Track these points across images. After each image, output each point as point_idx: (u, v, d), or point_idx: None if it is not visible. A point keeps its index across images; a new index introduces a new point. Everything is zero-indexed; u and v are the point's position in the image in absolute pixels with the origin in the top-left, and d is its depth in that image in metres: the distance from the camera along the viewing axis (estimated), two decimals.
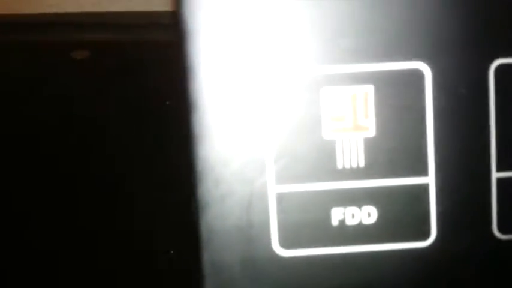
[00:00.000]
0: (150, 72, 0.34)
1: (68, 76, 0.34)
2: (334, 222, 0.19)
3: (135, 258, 0.26)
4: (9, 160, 0.30)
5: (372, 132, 0.18)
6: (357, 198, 0.18)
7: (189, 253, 0.26)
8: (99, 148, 0.31)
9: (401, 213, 0.19)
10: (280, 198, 0.18)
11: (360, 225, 0.19)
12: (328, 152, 0.18)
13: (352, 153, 0.18)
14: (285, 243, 0.19)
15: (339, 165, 0.18)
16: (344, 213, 0.19)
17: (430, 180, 0.19)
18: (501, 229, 0.19)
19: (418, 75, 0.18)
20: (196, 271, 0.18)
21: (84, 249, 0.27)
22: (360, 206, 0.19)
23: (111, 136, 0.31)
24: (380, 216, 0.19)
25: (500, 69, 0.18)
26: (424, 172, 0.19)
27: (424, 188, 0.19)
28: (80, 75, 0.34)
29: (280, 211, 0.18)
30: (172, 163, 0.30)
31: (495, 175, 0.19)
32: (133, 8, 0.39)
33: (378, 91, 0.18)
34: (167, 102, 0.32)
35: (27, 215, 0.29)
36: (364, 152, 0.18)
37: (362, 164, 0.18)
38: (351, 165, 0.18)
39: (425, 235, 0.19)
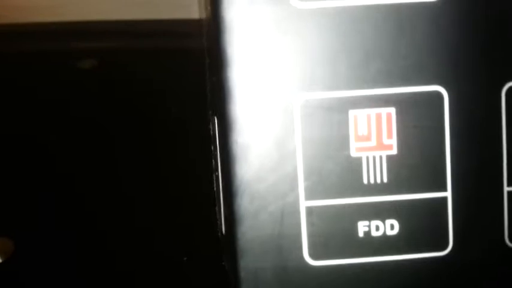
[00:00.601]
0: (159, 82, 0.33)
1: (75, 86, 0.33)
2: (360, 234, 0.19)
3: (150, 265, 0.26)
4: (13, 172, 0.29)
5: (394, 150, 0.19)
6: (381, 211, 0.19)
7: (202, 261, 0.26)
8: (109, 160, 0.30)
9: (422, 225, 0.19)
10: (310, 211, 0.19)
11: (383, 237, 0.19)
12: (354, 169, 0.19)
13: (376, 170, 0.19)
14: (315, 254, 0.20)
15: (365, 181, 0.19)
16: (369, 226, 0.19)
17: (448, 194, 0.19)
18: None
19: (436, 98, 0.19)
20: (234, 276, 0.19)
21: (99, 255, 0.26)
22: (383, 219, 0.19)
23: (121, 147, 0.31)
24: (402, 228, 0.19)
25: (510, 92, 0.19)
26: (442, 187, 0.19)
27: (442, 201, 0.20)
28: (88, 85, 0.33)
29: (310, 224, 0.19)
30: (187, 174, 0.29)
31: (506, 189, 0.20)
32: (139, 16, 0.38)
33: (400, 112, 0.19)
34: (174, 111, 0.32)
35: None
36: (388, 169, 0.19)
37: (386, 180, 0.19)
38: (375, 181, 0.19)
39: (444, 245, 0.20)
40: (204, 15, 0.23)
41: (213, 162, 0.22)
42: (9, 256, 0.26)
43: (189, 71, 0.32)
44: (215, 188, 0.23)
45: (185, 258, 0.25)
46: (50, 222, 0.27)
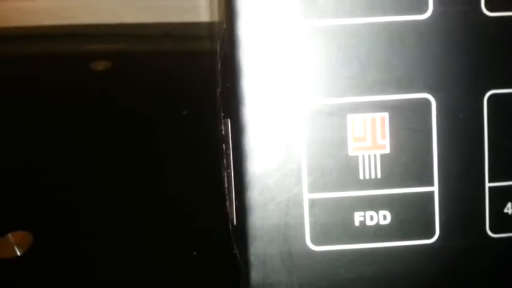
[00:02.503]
0: (170, 83, 0.34)
1: (88, 86, 0.34)
2: (356, 223, 0.21)
3: (158, 259, 0.26)
4: (32, 167, 0.30)
5: (387, 150, 0.21)
6: (375, 203, 0.21)
7: (211, 254, 0.27)
8: (123, 156, 0.31)
9: (411, 215, 0.21)
10: (313, 203, 0.21)
11: (377, 226, 0.21)
12: (352, 166, 0.21)
13: (371, 167, 0.21)
14: (316, 240, 0.21)
15: (361, 177, 0.21)
16: (364, 216, 0.21)
17: (434, 189, 0.21)
18: (492, 229, 0.21)
19: (425, 104, 0.21)
20: (245, 262, 0.21)
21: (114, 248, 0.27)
22: (377, 210, 0.21)
23: (133, 146, 0.31)
24: (393, 219, 0.21)
25: (492, 98, 0.21)
26: (430, 182, 0.21)
27: (430, 195, 0.21)
28: (100, 86, 0.34)
29: (312, 214, 0.21)
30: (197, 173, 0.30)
31: (488, 184, 0.21)
32: (150, 19, 0.39)
33: (392, 117, 0.20)
34: (184, 112, 0.33)
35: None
36: (381, 166, 0.21)
37: (379, 176, 0.21)
38: (370, 177, 0.21)
39: (431, 234, 0.21)
40: (213, 19, 0.24)
41: (224, 161, 0.24)
42: (27, 249, 0.27)
43: (198, 72, 0.34)
44: (226, 185, 0.24)
45: (194, 253, 0.27)
46: (67, 216, 0.28)
